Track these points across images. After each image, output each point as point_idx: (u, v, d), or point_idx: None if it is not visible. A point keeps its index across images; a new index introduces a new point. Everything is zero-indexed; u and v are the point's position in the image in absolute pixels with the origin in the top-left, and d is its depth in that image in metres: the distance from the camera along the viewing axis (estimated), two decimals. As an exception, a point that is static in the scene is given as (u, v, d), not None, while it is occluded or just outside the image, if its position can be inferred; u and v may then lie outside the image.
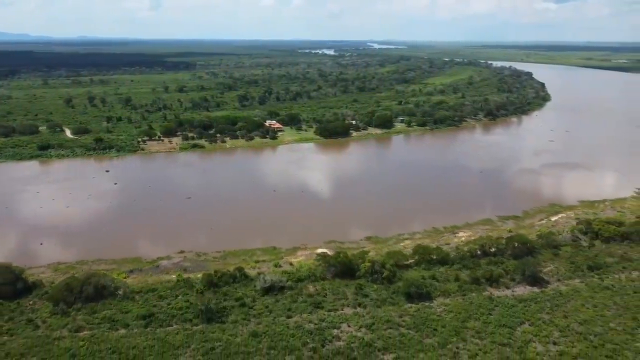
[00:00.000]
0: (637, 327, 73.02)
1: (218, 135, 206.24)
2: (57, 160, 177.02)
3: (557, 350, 67.52)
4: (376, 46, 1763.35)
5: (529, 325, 73.76)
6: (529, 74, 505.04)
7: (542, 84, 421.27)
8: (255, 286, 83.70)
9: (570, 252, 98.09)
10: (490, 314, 76.59)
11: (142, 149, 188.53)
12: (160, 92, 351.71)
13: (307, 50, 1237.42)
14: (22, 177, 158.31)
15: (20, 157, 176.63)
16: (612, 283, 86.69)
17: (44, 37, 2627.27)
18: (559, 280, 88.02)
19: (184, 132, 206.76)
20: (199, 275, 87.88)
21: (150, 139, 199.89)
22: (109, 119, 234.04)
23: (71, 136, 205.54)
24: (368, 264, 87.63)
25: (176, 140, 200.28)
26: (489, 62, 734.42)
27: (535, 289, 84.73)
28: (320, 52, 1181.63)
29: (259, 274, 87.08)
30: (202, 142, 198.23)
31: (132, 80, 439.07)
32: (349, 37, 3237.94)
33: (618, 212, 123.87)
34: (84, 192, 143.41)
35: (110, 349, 67.30)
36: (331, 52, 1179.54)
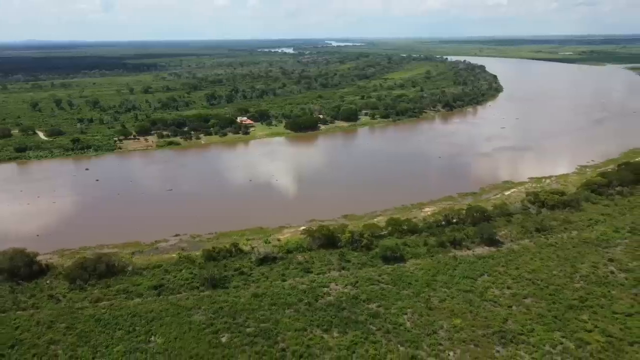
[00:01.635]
0: (574, 273, 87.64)
1: (192, 132, 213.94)
2: (36, 161, 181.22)
3: (511, 293, 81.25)
4: (334, 44, 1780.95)
5: (488, 276, 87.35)
6: (482, 67, 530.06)
7: (495, 76, 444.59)
8: (250, 258, 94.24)
9: (521, 218, 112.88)
10: (455, 269, 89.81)
11: (120, 148, 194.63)
12: (125, 93, 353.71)
13: (266, 50, 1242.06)
14: (3, 178, 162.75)
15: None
16: (555, 241, 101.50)
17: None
18: (511, 241, 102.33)
19: (158, 131, 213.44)
20: (197, 253, 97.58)
21: (126, 138, 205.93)
22: (80, 121, 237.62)
23: (45, 138, 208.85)
24: (348, 235, 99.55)
25: (152, 139, 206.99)
26: (445, 57, 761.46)
27: (492, 249, 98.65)
28: (279, 50, 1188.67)
29: (252, 248, 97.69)
30: (178, 139, 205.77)
31: (94, 83, 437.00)
32: (306, 36, 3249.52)
33: (562, 185, 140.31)
34: (68, 188, 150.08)
35: (130, 313, 76.62)
36: (290, 50, 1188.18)
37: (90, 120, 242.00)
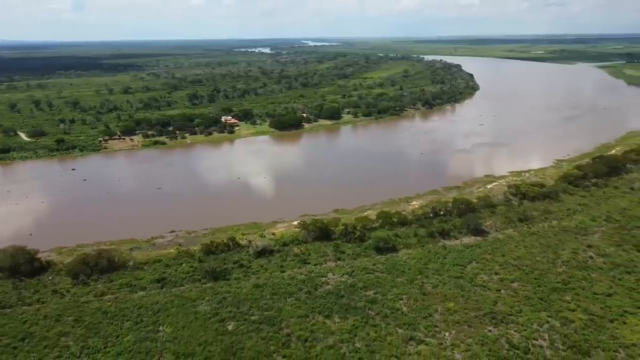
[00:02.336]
0: (556, 259, 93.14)
1: (177, 132, 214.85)
2: (21, 162, 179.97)
3: (499, 278, 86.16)
4: (311, 43, 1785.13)
5: (476, 263, 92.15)
6: (458, 66, 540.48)
7: (471, 75, 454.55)
8: (248, 251, 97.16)
9: (504, 209, 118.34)
10: (445, 258, 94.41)
11: (105, 148, 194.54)
12: (105, 94, 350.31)
13: (243, 49, 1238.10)
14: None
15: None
16: (537, 230, 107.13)
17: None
18: (496, 230, 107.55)
19: (143, 131, 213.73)
20: (195, 248, 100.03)
21: (111, 138, 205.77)
22: (62, 121, 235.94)
23: (27, 139, 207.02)
24: (342, 228, 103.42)
25: (137, 139, 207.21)
26: (421, 56, 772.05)
27: (479, 238, 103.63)
28: (256, 50, 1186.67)
29: (249, 242, 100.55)
30: (163, 139, 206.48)
31: (71, 84, 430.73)
32: (282, 35, 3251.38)
33: (540, 178, 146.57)
34: (55, 188, 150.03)
35: (136, 305, 78.90)
36: (267, 50, 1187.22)
37: (72, 121, 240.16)
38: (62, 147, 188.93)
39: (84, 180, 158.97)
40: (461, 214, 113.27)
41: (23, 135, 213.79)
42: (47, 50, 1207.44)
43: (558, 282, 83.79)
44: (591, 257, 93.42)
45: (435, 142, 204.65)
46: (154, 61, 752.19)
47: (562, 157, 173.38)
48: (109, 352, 67.37)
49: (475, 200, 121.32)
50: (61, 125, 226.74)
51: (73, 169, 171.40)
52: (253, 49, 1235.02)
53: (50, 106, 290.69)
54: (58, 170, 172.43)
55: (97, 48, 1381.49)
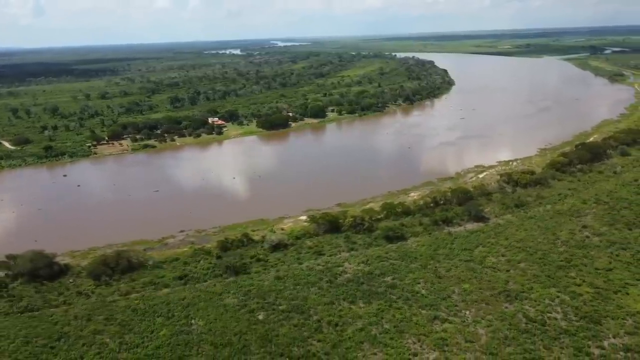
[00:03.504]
0: (556, 239, 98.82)
1: (165, 134, 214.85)
2: (10, 170, 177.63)
3: (506, 259, 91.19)
4: (280, 44, 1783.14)
5: (482, 247, 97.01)
6: (432, 63, 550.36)
7: (445, 71, 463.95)
8: (263, 246, 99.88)
9: (499, 196, 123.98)
10: (453, 243, 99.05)
11: (95, 153, 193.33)
12: (82, 99, 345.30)
13: (213, 52, 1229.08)
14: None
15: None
16: (533, 214, 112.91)
17: None
18: (496, 216, 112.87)
19: (131, 135, 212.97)
20: (209, 245, 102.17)
21: (99, 143, 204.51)
22: (44, 128, 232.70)
23: (12, 147, 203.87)
24: (351, 220, 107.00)
25: (125, 143, 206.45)
26: (393, 53, 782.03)
27: (481, 224, 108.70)
28: (227, 52, 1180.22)
29: (262, 237, 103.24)
30: (152, 142, 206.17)
31: (44, 91, 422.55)
32: (250, 36, 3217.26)
33: (527, 166, 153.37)
34: (50, 195, 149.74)
35: (164, 302, 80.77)
36: (238, 51, 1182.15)
37: (55, 128, 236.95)
38: (51, 154, 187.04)
39: (78, 186, 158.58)
40: (461, 203, 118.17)
41: (7, 144, 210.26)
42: (10, 57, 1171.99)
43: (561, 261, 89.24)
44: (588, 237, 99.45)
45: (421, 136, 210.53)
46: (124, 65, 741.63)
47: (545, 146, 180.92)
48: (147, 346, 69.29)
49: (471, 189, 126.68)
50: (45, 132, 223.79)
51: (64, 175, 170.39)
52: (223, 51, 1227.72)
53: (29, 114, 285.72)
54: (49, 177, 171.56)
55: (62, 54, 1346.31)
